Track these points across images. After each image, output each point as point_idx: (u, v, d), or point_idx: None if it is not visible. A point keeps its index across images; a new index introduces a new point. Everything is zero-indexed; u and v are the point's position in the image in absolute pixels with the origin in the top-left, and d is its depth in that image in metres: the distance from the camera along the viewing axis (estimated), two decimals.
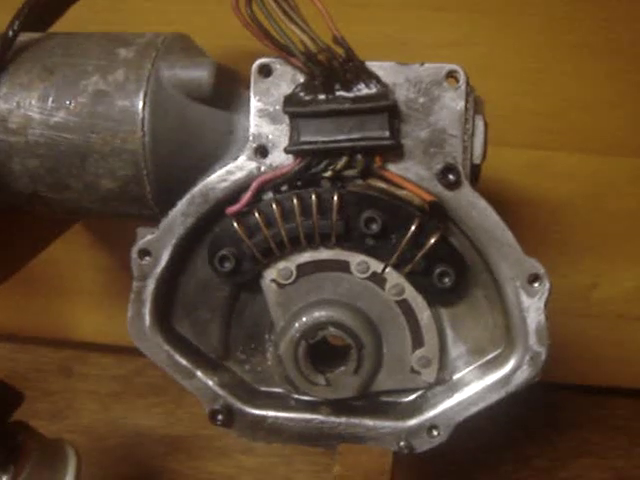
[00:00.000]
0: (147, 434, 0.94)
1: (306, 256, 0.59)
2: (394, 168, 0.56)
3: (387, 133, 0.54)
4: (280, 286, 0.60)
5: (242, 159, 0.57)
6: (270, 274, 0.60)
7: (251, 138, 0.57)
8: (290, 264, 0.59)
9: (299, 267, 0.60)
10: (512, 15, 0.83)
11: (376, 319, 0.60)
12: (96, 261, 1.03)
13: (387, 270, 0.58)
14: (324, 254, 0.59)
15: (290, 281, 0.60)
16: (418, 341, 0.60)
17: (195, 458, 0.91)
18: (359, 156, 0.55)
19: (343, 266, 0.59)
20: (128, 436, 0.94)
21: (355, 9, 0.83)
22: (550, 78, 0.85)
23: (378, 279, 0.59)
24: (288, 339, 0.59)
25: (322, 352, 0.60)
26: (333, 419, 0.62)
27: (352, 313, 0.59)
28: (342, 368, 0.60)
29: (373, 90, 0.54)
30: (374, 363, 0.60)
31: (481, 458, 0.88)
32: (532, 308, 0.57)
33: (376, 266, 0.59)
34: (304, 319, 0.59)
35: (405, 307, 0.60)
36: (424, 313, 0.59)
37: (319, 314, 0.59)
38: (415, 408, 0.61)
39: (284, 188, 0.57)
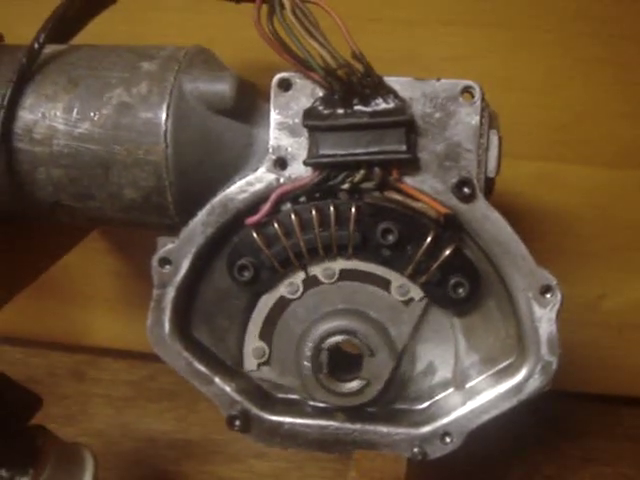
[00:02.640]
0: (160, 439, 0.95)
1: (255, 327, 0.63)
2: (410, 181, 0.57)
3: (404, 147, 0.55)
4: (267, 363, 0.64)
5: (261, 171, 0.58)
6: (252, 364, 0.64)
7: (270, 150, 0.58)
8: (254, 343, 0.63)
9: (262, 337, 0.63)
10: (525, 29, 0.84)
11: (343, 305, 0.62)
12: (110, 267, 1.04)
13: (307, 268, 0.61)
14: (263, 312, 0.63)
15: (268, 354, 0.64)
16: (383, 282, 0.61)
17: (207, 463, 0.91)
18: (376, 169, 0.56)
19: (282, 301, 0.62)
20: (141, 440, 0.95)
21: (368, 23, 0.84)
22: (561, 91, 0.86)
23: (312, 282, 0.61)
24: (313, 387, 0.61)
25: (346, 366, 0.62)
26: (348, 425, 0.63)
27: (324, 320, 0.61)
28: (364, 360, 0.61)
29: (391, 105, 0.55)
30: (377, 332, 0.61)
31: (490, 465, 0.88)
32: (544, 319, 0.58)
33: (299, 276, 0.61)
34: (305, 362, 0.61)
35: (347, 275, 0.61)
36: (362, 264, 0.60)
37: (306, 347, 0.61)
38: (429, 415, 0.62)
39: (302, 199, 0.58)
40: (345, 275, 0.61)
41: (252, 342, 0.63)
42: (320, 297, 0.62)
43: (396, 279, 0.60)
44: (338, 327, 0.60)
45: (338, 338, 0.60)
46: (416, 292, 0.60)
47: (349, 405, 0.62)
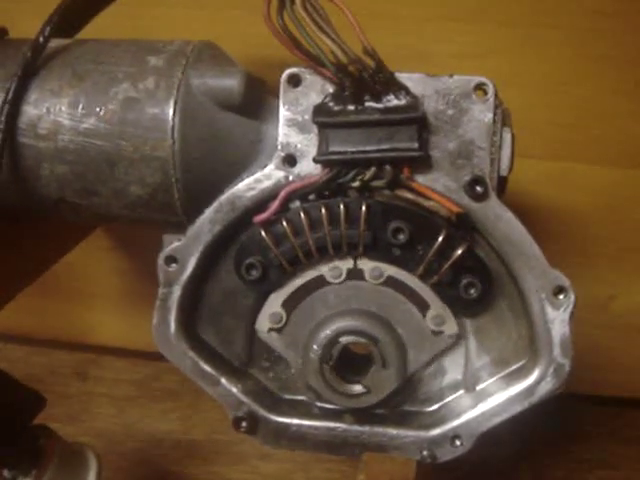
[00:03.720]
0: (163, 439, 0.95)
1: (283, 292, 0.60)
2: (422, 179, 0.56)
3: (416, 144, 0.54)
4: (279, 331, 0.62)
5: (270, 168, 0.57)
6: (264, 326, 0.62)
7: (279, 147, 0.57)
8: (275, 307, 0.61)
9: (284, 305, 0.61)
10: (534, 27, 0.83)
11: (376, 309, 0.60)
12: (114, 265, 1.03)
13: (358, 262, 0.59)
14: (297, 281, 0.60)
15: (284, 322, 0.61)
16: (423, 305, 0.60)
17: (211, 463, 0.91)
18: (387, 167, 0.55)
19: (319, 281, 0.60)
20: (144, 440, 0.94)
21: (377, 20, 0.82)
22: (571, 90, 0.85)
23: (356, 274, 0.60)
24: (312, 371, 0.60)
25: (351, 365, 0.61)
26: (356, 428, 0.62)
27: (351, 316, 0.60)
28: (372, 369, 0.60)
29: (402, 101, 0.54)
30: (397, 348, 0.60)
31: (497, 468, 0.88)
32: (557, 320, 0.57)
33: (347, 264, 0.59)
34: (315, 346, 0.60)
35: (392, 283, 0.60)
36: (410, 279, 0.59)
37: (324, 333, 0.60)
38: (438, 418, 0.62)
39: (312, 197, 0.57)
40: (390, 282, 0.59)
41: (273, 306, 0.61)
42: (357, 292, 0.60)
43: (436, 308, 0.60)
44: (363, 329, 0.59)
45: (358, 339, 0.59)
46: (450, 327, 0.60)
47: (341, 404, 0.61)
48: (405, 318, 0.60)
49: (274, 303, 0.61)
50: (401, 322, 0.61)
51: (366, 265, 0.59)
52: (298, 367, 0.62)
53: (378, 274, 0.59)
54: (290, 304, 0.61)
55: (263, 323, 0.62)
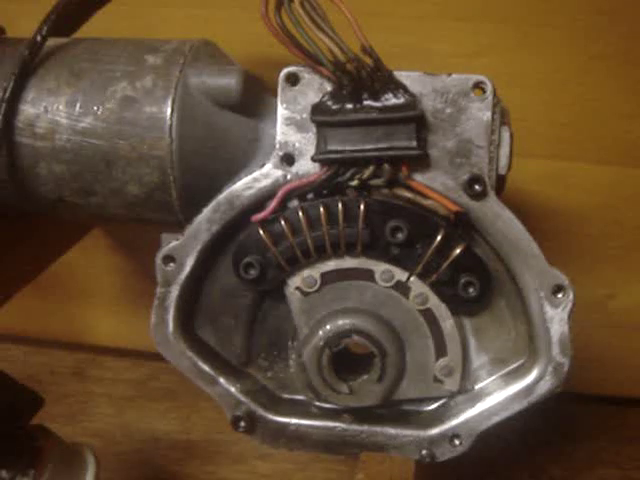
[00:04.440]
0: (162, 439, 0.94)
1: (331, 265, 0.59)
2: (420, 178, 0.56)
3: (414, 143, 0.54)
4: (304, 294, 0.60)
5: (268, 167, 0.57)
6: (294, 282, 0.60)
7: (277, 146, 0.57)
8: (315, 272, 0.59)
9: (323, 275, 0.60)
10: (533, 26, 0.83)
11: (399, 328, 0.60)
12: (112, 265, 1.03)
13: (411, 279, 0.59)
14: (348, 263, 0.59)
15: (314, 289, 0.60)
16: (441, 350, 0.60)
17: (210, 463, 0.90)
18: (386, 165, 0.55)
19: (367, 275, 0.59)
20: (143, 440, 0.94)
21: (375, 18, 0.82)
22: (570, 89, 0.85)
23: (402, 288, 0.59)
24: (312, 347, 0.59)
25: (345, 361, 0.60)
26: (355, 427, 0.62)
27: (376, 321, 0.60)
28: (365, 376, 0.60)
29: (401, 100, 0.54)
30: (397, 371, 0.60)
31: (497, 467, 0.88)
32: (556, 319, 0.57)
33: (400, 275, 0.59)
34: (328, 327, 0.59)
35: (429, 316, 0.60)
36: (447, 322, 0.59)
37: (343, 322, 0.59)
38: (437, 417, 0.61)
39: (310, 196, 0.57)
40: (427, 314, 0.59)
41: (313, 271, 0.60)
42: (393, 304, 0.60)
43: (451, 359, 0.60)
44: (379, 338, 0.59)
45: (371, 345, 0.59)
46: (452, 383, 0.61)
47: (318, 389, 0.61)
48: (419, 351, 0.60)
49: (317, 268, 0.60)
50: (414, 352, 0.61)
51: (415, 287, 0.59)
52: (301, 337, 0.61)
53: (421, 301, 0.59)
54: (329, 278, 0.60)
55: (295, 280, 0.60)
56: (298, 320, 0.61)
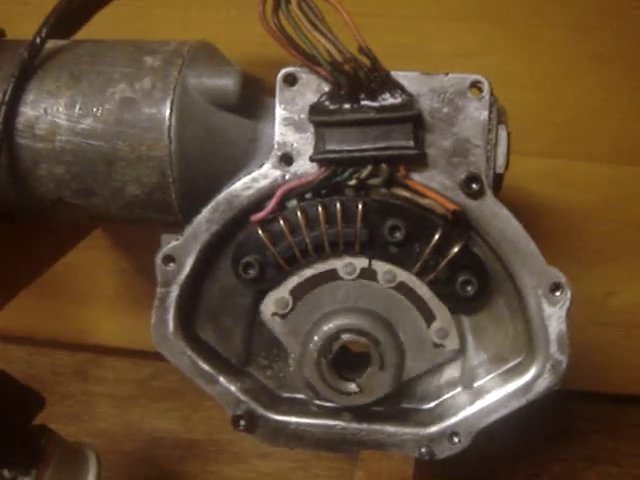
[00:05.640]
0: (163, 438, 0.95)
1: (294, 279, 0.60)
2: (418, 177, 0.56)
3: (411, 142, 0.54)
4: (282, 317, 0.61)
5: (267, 167, 0.57)
6: (268, 309, 0.61)
7: (276, 146, 0.57)
8: (283, 292, 0.61)
9: (293, 292, 0.61)
10: (531, 25, 0.83)
11: (382, 311, 0.60)
12: (114, 265, 1.03)
13: (372, 261, 0.59)
14: (309, 271, 0.60)
15: (290, 308, 0.61)
16: (429, 316, 0.60)
17: (211, 462, 0.91)
18: (383, 165, 0.55)
19: (331, 275, 0.60)
20: (144, 440, 0.94)
21: (372, 19, 0.83)
22: (568, 88, 0.85)
23: (368, 273, 0.60)
24: (309, 362, 0.60)
25: (347, 363, 0.61)
26: (355, 425, 0.62)
27: (357, 314, 0.60)
28: (368, 369, 0.60)
29: (398, 100, 0.55)
30: (396, 353, 0.60)
31: (497, 464, 0.88)
32: (554, 317, 0.57)
33: (361, 262, 0.59)
34: (315, 338, 0.60)
35: (404, 289, 0.60)
36: (422, 288, 0.59)
37: (327, 327, 0.59)
38: (436, 415, 0.62)
39: (308, 196, 0.58)
40: (401, 288, 0.60)
41: (281, 292, 0.61)
42: (367, 292, 0.60)
43: (441, 320, 0.60)
44: (366, 329, 0.59)
45: (360, 338, 0.59)
46: (452, 342, 0.60)
47: (331, 398, 0.61)
48: (410, 325, 0.61)
49: (282, 290, 0.61)
50: (405, 328, 0.61)
51: (380, 267, 0.59)
52: (296, 356, 0.62)
53: (390, 278, 0.59)
54: (298, 292, 0.61)
55: (268, 306, 0.61)
56: (287, 343, 0.62)
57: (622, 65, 0.83)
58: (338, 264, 0.60)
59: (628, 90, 0.84)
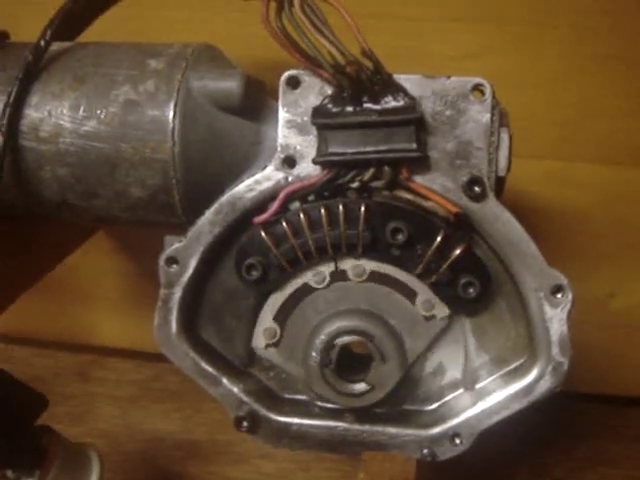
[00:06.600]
0: (165, 439, 0.95)
1: (276, 303, 0.61)
2: (420, 180, 0.56)
3: (414, 145, 0.55)
4: (275, 345, 0.63)
5: (270, 169, 0.57)
6: (259, 343, 0.63)
7: (279, 149, 0.57)
8: (268, 322, 0.62)
9: (276, 318, 0.62)
10: (533, 26, 0.83)
11: (366, 306, 0.61)
12: (115, 267, 1.04)
13: (338, 262, 0.60)
14: (284, 293, 0.61)
15: (279, 336, 0.62)
16: (410, 293, 0.60)
17: (213, 463, 0.91)
18: (386, 167, 0.55)
19: (306, 289, 0.61)
20: (146, 441, 0.94)
21: (375, 21, 0.83)
22: (570, 89, 0.85)
23: (339, 275, 0.60)
24: (316, 379, 0.60)
25: (351, 366, 0.61)
26: (357, 427, 0.62)
27: (342, 317, 0.60)
28: (373, 364, 0.60)
29: (400, 102, 0.55)
30: (393, 340, 0.60)
31: (497, 466, 0.88)
32: (555, 319, 0.57)
33: (328, 268, 0.60)
34: (313, 354, 0.60)
35: (377, 277, 0.60)
36: (391, 269, 0.60)
37: (319, 339, 0.60)
38: (438, 416, 0.62)
39: (311, 198, 0.58)
40: (374, 277, 0.60)
41: (265, 322, 0.62)
42: (344, 293, 0.61)
43: (423, 294, 0.60)
44: (356, 327, 0.59)
45: (353, 338, 0.59)
46: (440, 310, 0.60)
47: (348, 405, 0.62)
48: (395, 309, 0.61)
49: (265, 320, 0.62)
50: (392, 313, 0.61)
51: (347, 265, 0.60)
52: (302, 378, 0.63)
53: (360, 271, 0.60)
54: (281, 317, 0.62)
55: (259, 340, 0.63)
56: (290, 370, 0.63)
57: (624, 65, 0.84)
58: (307, 277, 0.60)
59: (631, 90, 0.84)
